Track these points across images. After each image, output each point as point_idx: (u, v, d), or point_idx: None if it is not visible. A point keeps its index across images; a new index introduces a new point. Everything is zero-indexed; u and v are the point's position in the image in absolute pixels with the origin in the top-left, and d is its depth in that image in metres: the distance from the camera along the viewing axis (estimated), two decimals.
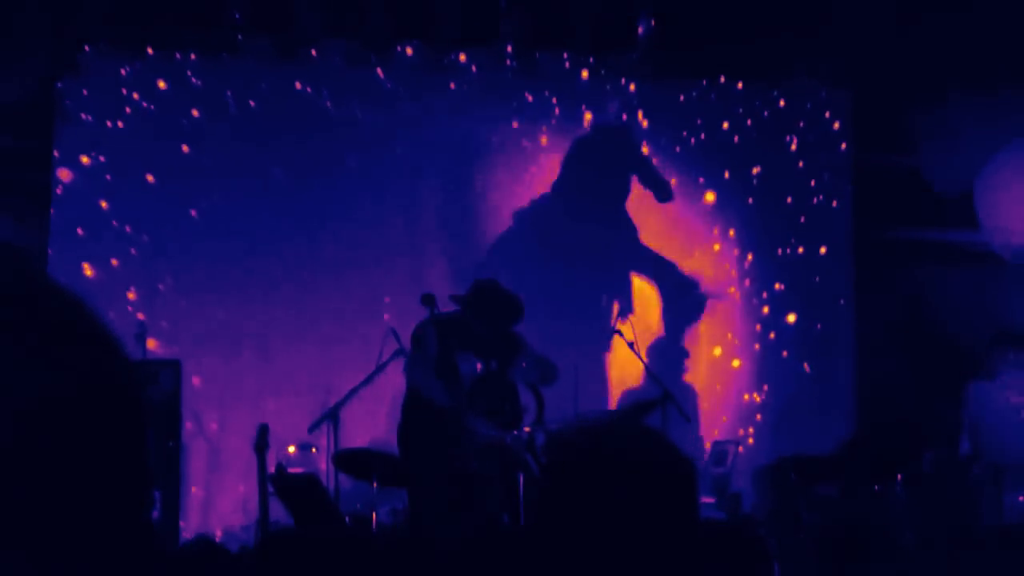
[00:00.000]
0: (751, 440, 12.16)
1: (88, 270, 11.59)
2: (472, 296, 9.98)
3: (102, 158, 11.78)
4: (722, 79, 12.77)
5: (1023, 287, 12.50)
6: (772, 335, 12.76)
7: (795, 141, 12.90)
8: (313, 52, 12.08)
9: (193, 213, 11.93)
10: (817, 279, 12.86)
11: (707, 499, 10.44)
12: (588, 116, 12.65)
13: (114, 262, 11.72)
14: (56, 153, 11.75)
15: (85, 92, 11.78)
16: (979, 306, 12.60)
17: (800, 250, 12.87)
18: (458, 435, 9.61)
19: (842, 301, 12.89)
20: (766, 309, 12.79)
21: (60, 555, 1.22)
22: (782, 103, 12.91)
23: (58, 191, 11.72)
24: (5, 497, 1.19)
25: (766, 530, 9.34)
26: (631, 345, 10.41)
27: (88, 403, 1.25)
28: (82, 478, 1.23)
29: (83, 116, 11.77)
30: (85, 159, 11.77)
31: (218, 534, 11.32)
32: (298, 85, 12.18)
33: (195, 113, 11.99)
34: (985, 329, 11.43)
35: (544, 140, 12.58)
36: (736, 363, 12.66)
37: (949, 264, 12.81)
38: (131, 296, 11.66)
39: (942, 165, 12.63)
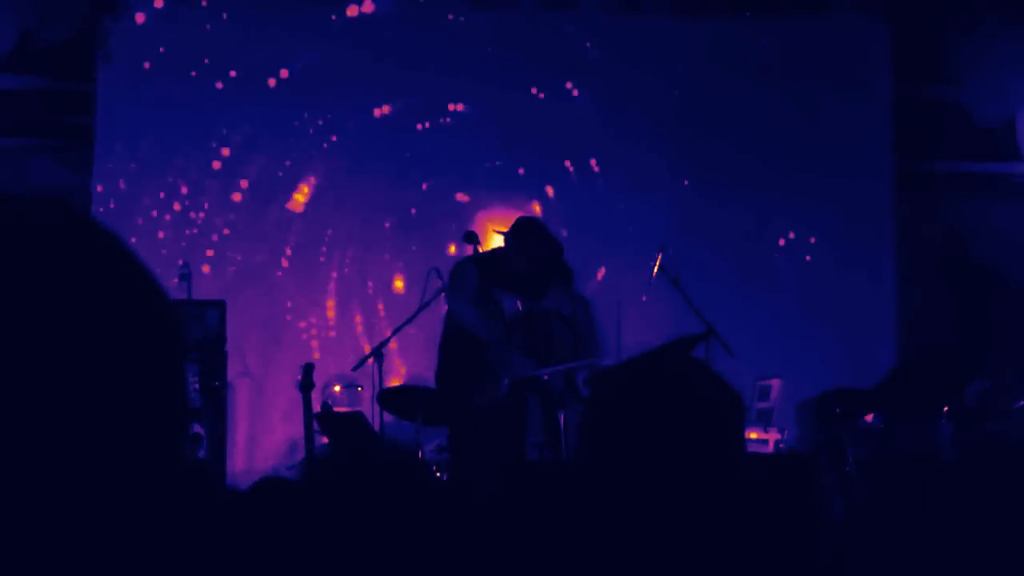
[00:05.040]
0: (795, 374, 12.12)
1: (132, 211, 11.63)
2: (514, 230, 10.03)
3: (145, 97, 11.81)
4: (758, 10, 12.69)
5: None
6: (812, 267, 12.71)
7: (833, 72, 12.80)
8: None
9: (232, 152, 11.98)
10: (857, 212, 12.79)
11: (753, 434, 10.44)
12: None
13: (158, 203, 11.76)
14: (99, 94, 11.79)
15: (128, 31, 11.80)
16: (1022, 237, 12.53)
17: (840, 182, 12.80)
18: (496, 371, 9.67)
19: (883, 234, 12.82)
20: (808, 241, 12.75)
21: (95, 489, 1.24)
22: (819, 34, 12.81)
23: (101, 132, 11.76)
24: (44, 435, 1.22)
25: (811, 464, 9.34)
26: (674, 281, 10.40)
27: (126, 340, 1.27)
28: (118, 413, 1.26)
29: (126, 56, 11.80)
30: (128, 99, 11.80)
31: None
32: None
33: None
34: None
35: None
36: (777, 297, 12.61)
37: (991, 196, 12.73)
38: (175, 237, 11.70)
39: (983, 95, 12.54)
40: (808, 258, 12.72)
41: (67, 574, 1.23)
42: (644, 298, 11.32)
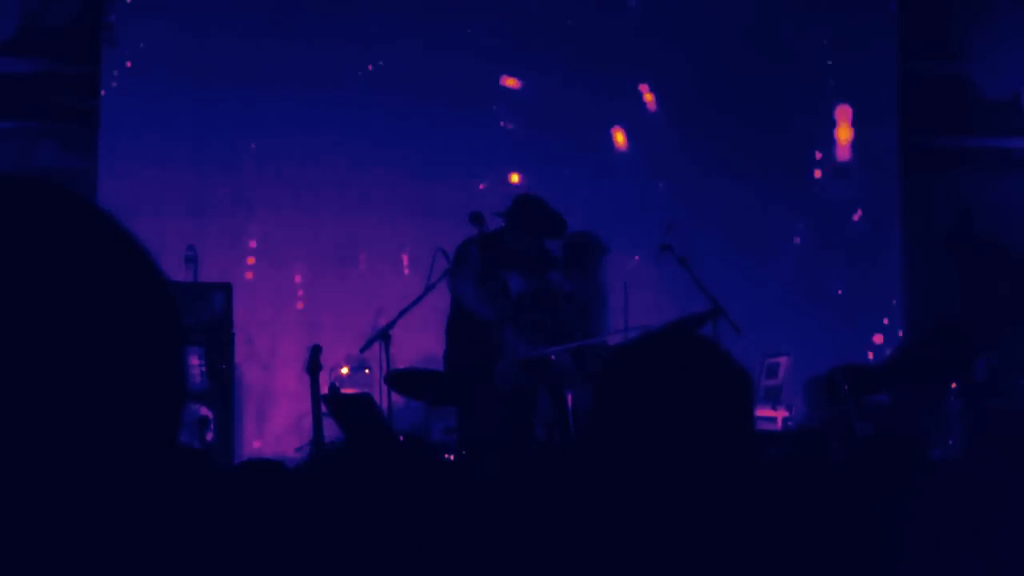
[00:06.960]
0: (802, 352, 12.12)
1: (138, 194, 11.61)
2: (515, 208, 10.03)
3: (149, 80, 11.79)
4: None
5: None
6: (819, 244, 12.70)
7: (840, 47, 12.78)
8: None
9: (240, 132, 11.97)
10: (864, 188, 12.77)
11: (761, 412, 10.43)
12: None
13: (164, 184, 11.75)
14: (103, 77, 11.78)
15: (131, 13, 11.79)
16: None
17: (847, 158, 12.78)
18: (502, 351, 9.68)
19: (890, 209, 12.80)
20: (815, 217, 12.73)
21: (89, 471, 1.24)
22: (827, 10, 12.78)
23: (105, 114, 11.75)
24: (38, 415, 1.21)
25: (820, 441, 9.36)
26: (681, 260, 10.40)
27: (122, 321, 1.27)
28: (115, 394, 1.25)
29: (129, 37, 11.77)
30: (132, 81, 11.79)
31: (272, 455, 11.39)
32: None
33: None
34: None
35: None
36: (784, 274, 12.60)
37: (997, 170, 12.72)
38: (181, 219, 11.68)
39: (989, 70, 12.53)
40: (815, 234, 12.70)
41: (58, 553, 1.23)
42: (651, 275, 11.34)
